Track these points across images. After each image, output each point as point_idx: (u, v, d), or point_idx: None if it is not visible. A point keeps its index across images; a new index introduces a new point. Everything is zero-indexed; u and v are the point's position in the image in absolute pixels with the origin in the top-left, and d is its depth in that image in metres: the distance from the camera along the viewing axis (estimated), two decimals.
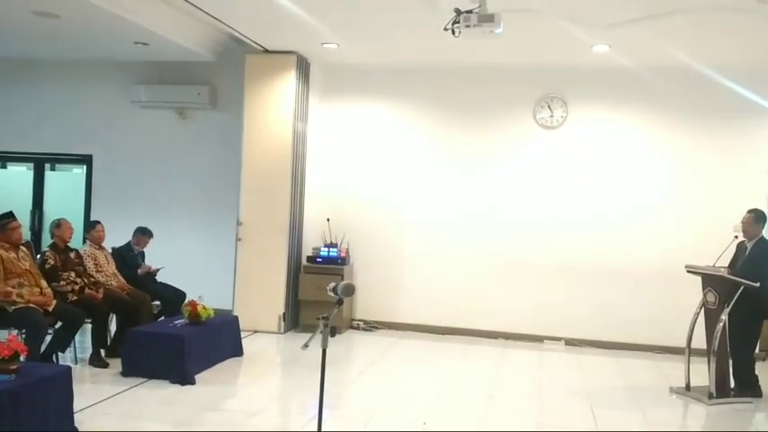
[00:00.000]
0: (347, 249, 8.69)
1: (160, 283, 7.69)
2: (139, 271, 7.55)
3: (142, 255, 7.81)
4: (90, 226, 7.34)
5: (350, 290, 3.88)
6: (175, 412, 5.25)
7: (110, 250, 7.48)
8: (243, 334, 7.37)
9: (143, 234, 7.77)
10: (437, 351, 7.95)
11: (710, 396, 6.13)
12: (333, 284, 3.88)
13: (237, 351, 7.07)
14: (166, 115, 9.32)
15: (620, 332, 8.26)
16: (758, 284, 6.01)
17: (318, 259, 8.55)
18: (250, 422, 5.12)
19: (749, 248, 6.44)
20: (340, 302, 3.89)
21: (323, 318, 3.66)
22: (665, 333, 7.93)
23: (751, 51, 7.26)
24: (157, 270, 7.72)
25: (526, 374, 7.04)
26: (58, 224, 6.73)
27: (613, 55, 7.57)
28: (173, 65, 9.08)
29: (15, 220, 6.08)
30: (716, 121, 8.15)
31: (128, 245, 7.72)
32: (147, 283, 7.50)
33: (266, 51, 8.35)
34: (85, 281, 6.63)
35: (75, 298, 6.39)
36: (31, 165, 10.10)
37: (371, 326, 8.85)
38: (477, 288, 8.65)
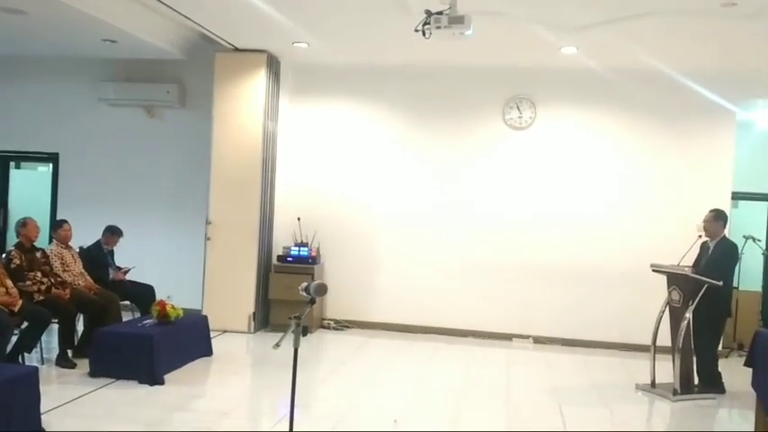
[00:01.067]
0: (318, 249, 8.68)
1: (129, 281, 7.62)
2: (112, 276, 7.48)
3: (111, 254, 7.73)
4: (57, 225, 7.22)
5: (322, 289, 3.89)
6: (145, 413, 5.21)
7: (77, 249, 7.40)
8: (212, 334, 7.34)
9: (112, 233, 7.69)
10: (408, 350, 7.99)
11: (675, 393, 6.25)
12: (305, 284, 3.88)
13: (207, 351, 7.03)
14: (135, 113, 9.23)
15: (587, 330, 8.38)
16: (721, 283, 6.16)
17: (289, 258, 8.53)
18: (220, 422, 5.11)
19: (712, 248, 6.60)
20: (312, 302, 3.91)
21: (295, 317, 3.67)
22: (631, 331, 8.07)
23: (715, 54, 7.40)
24: (128, 270, 7.65)
25: (495, 372, 7.10)
26: (23, 223, 6.63)
27: (581, 57, 7.67)
28: (141, 62, 9.00)
29: None
30: (681, 122, 8.30)
31: (97, 244, 7.64)
32: (118, 284, 7.44)
33: (236, 50, 8.32)
34: (52, 280, 6.54)
35: (41, 298, 6.30)
36: None
37: (342, 325, 8.86)
38: (447, 287, 8.71)
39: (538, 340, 8.48)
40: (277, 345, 3.78)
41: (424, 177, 8.83)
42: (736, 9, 5.83)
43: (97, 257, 7.52)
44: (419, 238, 8.81)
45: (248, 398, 6.19)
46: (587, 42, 7.18)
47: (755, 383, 5.37)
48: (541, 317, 8.51)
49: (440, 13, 5.23)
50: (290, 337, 3.78)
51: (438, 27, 5.15)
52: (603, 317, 8.33)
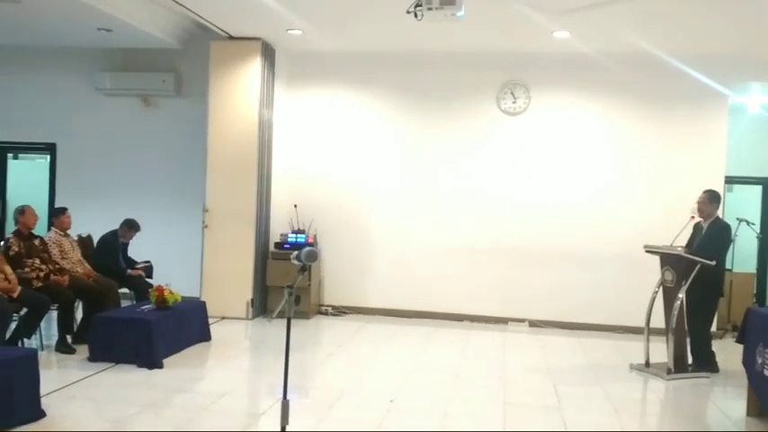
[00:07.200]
0: (315, 235, 8.73)
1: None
2: (129, 272, 7.56)
3: (125, 247, 7.78)
4: (59, 212, 7.23)
5: (313, 256, 3.93)
6: (143, 395, 5.27)
7: (75, 238, 7.44)
8: (211, 320, 7.38)
9: (129, 228, 7.73)
10: (404, 334, 8.05)
11: (669, 372, 6.31)
12: (296, 252, 3.92)
13: (205, 336, 7.10)
14: (131, 103, 9.28)
15: (582, 313, 8.44)
16: (714, 263, 6.19)
17: (286, 245, 8.57)
18: (218, 403, 5.16)
19: (705, 228, 6.63)
20: (303, 269, 3.94)
21: (287, 286, 3.71)
22: (626, 313, 8.11)
23: (707, 38, 7.44)
24: (145, 268, 7.74)
25: (491, 355, 7.17)
26: (22, 211, 6.66)
27: (574, 41, 7.70)
28: (137, 52, 9.03)
29: None
30: (675, 106, 8.34)
31: (113, 233, 7.67)
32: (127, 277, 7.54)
33: (231, 38, 8.35)
34: (50, 267, 6.59)
35: (40, 284, 6.35)
36: None
37: (340, 311, 8.91)
38: (443, 272, 8.76)
39: (533, 324, 8.54)
40: (271, 317, 3.83)
41: (420, 164, 8.87)
42: None
43: (111, 247, 7.57)
44: (415, 224, 8.86)
45: (246, 380, 6.25)
46: (580, 26, 7.21)
47: (746, 361, 5.43)
48: (537, 300, 8.57)
49: None
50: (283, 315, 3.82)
51: (430, 8, 5.20)
52: (599, 300, 8.39)
